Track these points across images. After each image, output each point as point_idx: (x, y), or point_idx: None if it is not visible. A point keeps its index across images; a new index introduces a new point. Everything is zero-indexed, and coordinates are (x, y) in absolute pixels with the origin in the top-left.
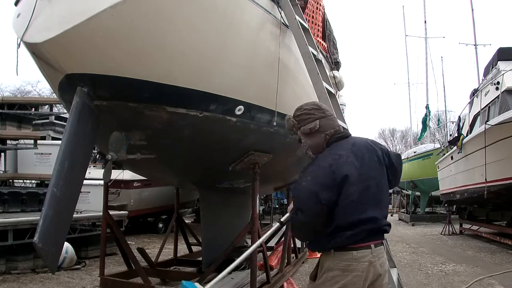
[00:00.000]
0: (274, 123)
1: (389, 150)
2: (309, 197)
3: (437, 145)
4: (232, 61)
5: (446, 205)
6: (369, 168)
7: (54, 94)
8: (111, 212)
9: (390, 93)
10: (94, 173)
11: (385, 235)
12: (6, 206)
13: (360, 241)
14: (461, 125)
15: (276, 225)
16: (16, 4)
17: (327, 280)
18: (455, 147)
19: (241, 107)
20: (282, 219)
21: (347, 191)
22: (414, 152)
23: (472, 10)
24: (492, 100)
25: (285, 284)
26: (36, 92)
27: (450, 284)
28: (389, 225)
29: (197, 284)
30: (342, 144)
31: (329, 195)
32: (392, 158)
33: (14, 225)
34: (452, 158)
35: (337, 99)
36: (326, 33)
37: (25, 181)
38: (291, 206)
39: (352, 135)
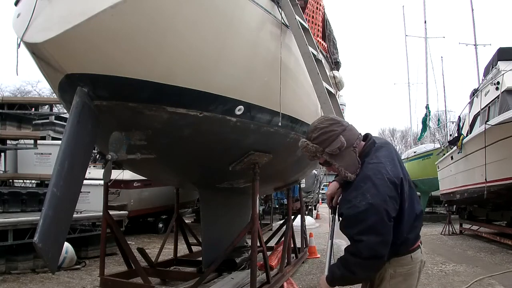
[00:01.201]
0: (279, 123)
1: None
2: (380, 217)
3: (437, 145)
4: (232, 61)
5: (446, 205)
6: (400, 164)
7: (54, 94)
8: (111, 212)
9: (390, 93)
10: (94, 173)
11: None
12: (6, 206)
13: (414, 243)
14: (461, 125)
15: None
16: (16, 4)
17: (394, 285)
18: (455, 147)
19: (241, 107)
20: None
21: (403, 195)
22: (414, 152)
23: (472, 10)
24: (492, 100)
25: (285, 284)
26: (36, 92)
27: (450, 284)
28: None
29: None
30: (378, 150)
31: (395, 206)
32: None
33: (14, 225)
34: (452, 158)
35: (337, 99)
36: (326, 33)
37: (25, 181)
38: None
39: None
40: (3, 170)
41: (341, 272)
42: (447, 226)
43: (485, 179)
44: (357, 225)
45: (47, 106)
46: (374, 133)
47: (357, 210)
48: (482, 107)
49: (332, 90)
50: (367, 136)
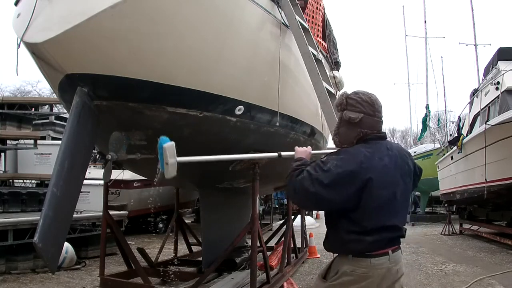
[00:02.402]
0: (277, 124)
1: (415, 163)
2: (336, 173)
3: (437, 145)
4: (232, 61)
5: (446, 205)
6: (399, 175)
7: (54, 94)
8: (111, 212)
9: (390, 93)
10: (94, 173)
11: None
12: (6, 206)
13: (380, 248)
14: (461, 125)
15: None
16: (16, 4)
17: (342, 284)
18: (455, 147)
19: (241, 107)
20: (283, 154)
21: (373, 193)
22: (414, 152)
23: (472, 10)
24: (492, 100)
25: (285, 284)
26: (36, 92)
27: (450, 284)
28: (405, 230)
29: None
30: (378, 144)
31: (347, 190)
32: (417, 172)
33: (14, 225)
34: (452, 158)
35: None
36: (326, 33)
37: (25, 181)
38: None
39: (391, 141)
40: (3, 170)
41: (294, 175)
42: (447, 226)
43: (485, 179)
44: (316, 168)
45: (47, 106)
46: None
47: (327, 160)
48: (482, 107)
49: (332, 90)
50: (385, 137)
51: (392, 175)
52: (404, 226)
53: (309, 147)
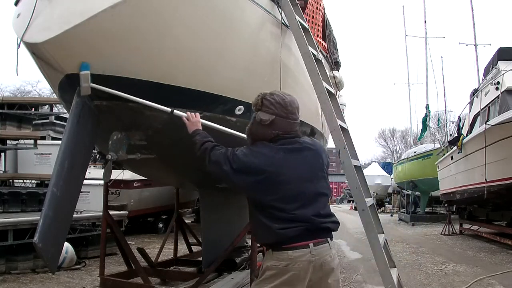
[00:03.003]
0: None
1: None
2: (242, 162)
3: (437, 145)
4: (232, 61)
5: (446, 205)
6: (309, 170)
7: (54, 94)
8: (111, 212)
9: (390, 93)
10: (94, 173)
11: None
12: (6, 206)
13: (295, 241)
14: (461, 125)
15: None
16: (16, 4)
17: (266, 278)
18: (455, 147)
19: (241, 107)
20: (175, 111)
21: (276, 187)
22: (414, 152)
23: (472, 10)
24: (492, 100)
25: None
26: (36, 92)
27: (450, 284)
28: (334, 222)
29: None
30: (286, 143)
31: (247, 179)
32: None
33: (14, 225)
34: (452, 158)
35: (337, 99)
36: (326, 33)
37: (25, 181)
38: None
39: (305, 138)
40: (3, 170)
41: (199, 143)
42: (447, 226)
43: (485, 179)
44: (232, 150)
45: (47, 106)
46: (374, 133)
47: (237, 149)
48: (482, 107)
49: (332, 90)
50: (297, 136)
51: (298, 171)
52: (328, 219)
53: (197, 113)
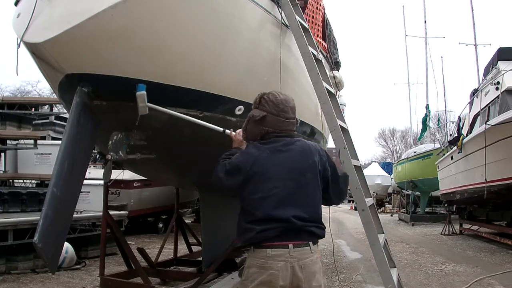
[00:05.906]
0: None
1: (334, 164)
2: (233, 163)
3: (437, 145)
4: (232, 61)
5: (446, 205)
6: (295, 171)
7: (54, 94)
8: (111, 212)
9: (390, 93)
10: (94, 173)
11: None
12: (6, 206)
13: (273, 240)
14: (461, 125)
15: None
16: (16, 4)
17: (248, 276)
18: (455, 147)
19: (241, 107)
20: (227, 131)
21: (258, 185)
22: (414, 152)
23: (472, 10)
24: (492, 100)
25: None
26: (36, 92)
27: (450, 284)
28: (318, 227)
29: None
30: (275, 141)
31: (236, 179)
32: (333, 171)
33: (14, 225)
34: (452, 158)
35: (337, 99)
36: (326, 33)
37: (25, 181)
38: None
39: (296, 137)
40: (3, 170)
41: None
42: (447, 226)
43: (485, 179)
44: (231, 160)
45: (47, 106)
46: (374, 133)
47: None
48: (482, 107)
49: (332, 90)
50: (286, 135)
51: (280, 170)
52: (312, 224)
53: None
